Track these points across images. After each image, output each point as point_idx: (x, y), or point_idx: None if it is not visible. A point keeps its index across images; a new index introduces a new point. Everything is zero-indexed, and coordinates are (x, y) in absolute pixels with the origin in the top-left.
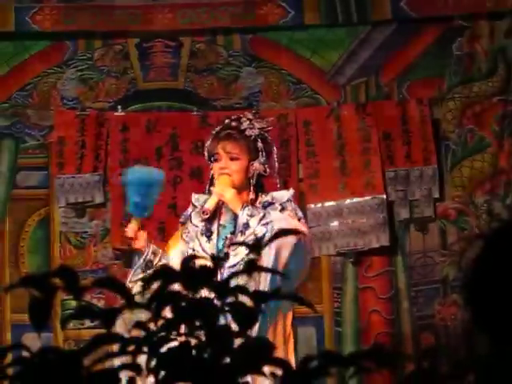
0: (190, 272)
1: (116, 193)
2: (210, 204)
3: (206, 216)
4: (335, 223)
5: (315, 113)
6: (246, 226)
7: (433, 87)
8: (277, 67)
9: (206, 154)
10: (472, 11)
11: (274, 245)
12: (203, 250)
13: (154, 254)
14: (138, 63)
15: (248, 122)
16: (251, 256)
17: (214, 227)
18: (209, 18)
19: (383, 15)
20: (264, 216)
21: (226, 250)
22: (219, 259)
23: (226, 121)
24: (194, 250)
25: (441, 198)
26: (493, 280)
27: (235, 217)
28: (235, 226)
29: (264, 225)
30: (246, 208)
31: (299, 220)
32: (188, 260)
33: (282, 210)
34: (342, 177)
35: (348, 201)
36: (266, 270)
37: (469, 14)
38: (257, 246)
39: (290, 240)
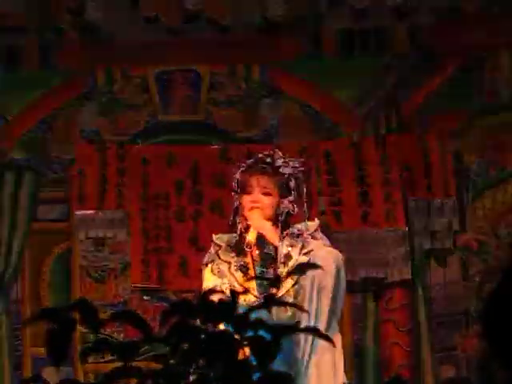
0: (209, 306)
1: (136, 228)
2: (252, 237)
3: (250, 249)
4: (357, 252)
5: (336, 145)
6: (288, 256)
7: (454, 118)
8: (296, 99)
9: (234, 184)
10: (492, 43)
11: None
12: (240, 285)
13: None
14: (158, 96)
15: (282, 160)
16: (271, 290)
17: (249, 262)
18: (228, 50)
19: (402, 47)
20: (303, 245)
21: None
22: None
23: (260, 155)
24: (230, 286)
25: (462, 229)
26: (509, 312)
27: (262, 249)
28: (273, 258)
29: (305, 254)
30: (285, 239)
31: (329, 247)
32: (206, 294)
33: (313, 239)
34: (364, 207)
35: (370, 231)
36: (284, 303)
37: (489, 46)
38: (277, 280)
39: (330, 266)
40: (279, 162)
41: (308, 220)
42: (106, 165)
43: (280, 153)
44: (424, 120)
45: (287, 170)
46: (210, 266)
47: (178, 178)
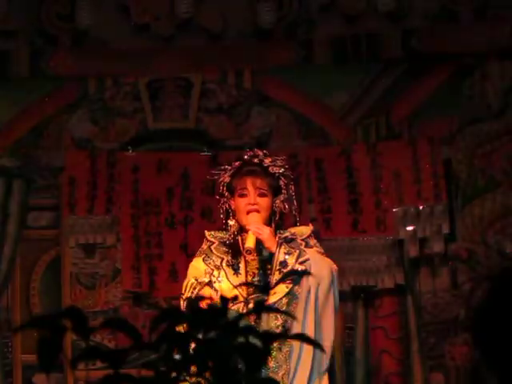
0: (199, 314)
1: (127, 234)
2: (251, 242)
3: (250, 254)
4: (348, 260)
5: (326, 152)
6: (284, 264)
7: (443, 126)
8: (288, 106)
9: (222, 188)
10: (482, 50)
11: (311, 282)
12: (229, 281)
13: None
14: (149, 103)
15: (269, 160)
16: (261, 297)
17: (242, 263)
18: (220, 57)
19: (394, 54)
20: (300, 254)
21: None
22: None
23: (245, 157)
24: (218, 279)
25: (451, 236)
26: (499, 320)
27: (259, 255)
28: (269, 264)
29: (302, 263)
30: (282, 246)
31: (322, 254)
32: (194, 301)
33: (306, 245)
34: (354, 214)
35: (360, 239)
36: (275, 310)
37: (479, 53)
38: (267, 287)
39: (325, 276)
40: (267, 161)
41: (299, 220)
42: (97, 172)
43: (261, 152)
44: (414, 127)
45: (276, 170)
46: (201, 257)
47: (168, 185)
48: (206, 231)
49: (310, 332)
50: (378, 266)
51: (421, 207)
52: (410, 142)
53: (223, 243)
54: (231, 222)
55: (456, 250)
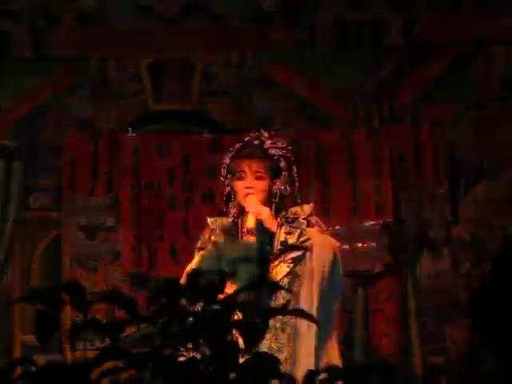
0: (196, 287)
1: (127, 216)
2: (251, 222)
3: (250, 235)
4: (345, 246)
5: (327, 137)
6: (285, 243)
7: (447, 111)
8: (290, 90)
9: (223, 170)
10: (485, 37)
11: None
12: None
13: None
14: (150, 85)
15: (270, 142)
16: (259, 272)
17: None
18: (222, 40)
19: (396, 41)
20: (301, 233)
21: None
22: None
23: (247, 139)
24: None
25: (454, 220)
26: (499, 301)
27: (259, 236)
28: (270, 245)
29: (302, 242)
30: (283, 226)
31: (324, 232)
32: (194, 275)
33: (308, 224)
34: (354, 200)
35: (358, 224)
36: (273, 286)
37: (482, 40)
38: (265, 261)
39: (328, 256)
40: (267, 143)
41: (300, 200)
42: (98, 153)
43: (266, 133)
44: (417, 111)
45: (276, 151)
46: (201, 252)
47: (169, 167)
48: (208, 217)
49: (315, 313)
50: (374, 251)
51: (423, 191)
52: (412, 127)
53: (224, 231)
54: (231, 205)
55: (458, 233)
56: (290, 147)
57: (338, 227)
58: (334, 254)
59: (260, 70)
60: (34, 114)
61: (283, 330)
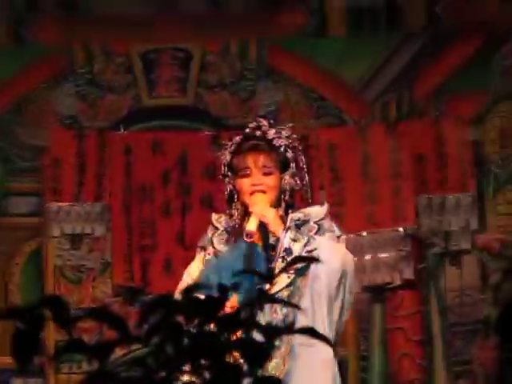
0: (194, 303)
1: (118, 223)
2: (252, 226)
3: (251, 240)
4: (363, 256)
5: (340, 133)
6: (289, 251)
7: (473, 103)
8: (297, 81)
9: (224, 168)
10: None
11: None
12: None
13: None
14: (143, 77)
15: (273, 131)
16: (263, 286)
17: None
18: (222, 26)
19: (417, 22)
20: (308, 241)
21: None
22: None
23: (247, 130)
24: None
25: (481, 228)
26: None
27: (264, 241)
28: (273, 251)
29: (308, 252)
30: (289, 231)
31: (338, 238)
32: (191, 289)
33: (319, 230)
34: (370, 205)
35: (376, 232)
36: (277, 301)
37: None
38: (269, 277)
39: (336, 267)
40: (271, 134)
41: (310, 197)
42: (85, 153)
43: (266, 122)
44: (439, 104)
45: (282, 142)
46: (202, 253)
47: (164, 168)
48: (213, 214)
49: (320, 329)
50: (394, 261)
51: (446, 197)
52: (434, 122)
53: (227, 232)
54: (234, 206)
55: (486, 242)
56: (295, 136)
57: (351, 235)
58: (344, 267)
59: (264, 59)
60: (12, 109)
61: (279, 348)
